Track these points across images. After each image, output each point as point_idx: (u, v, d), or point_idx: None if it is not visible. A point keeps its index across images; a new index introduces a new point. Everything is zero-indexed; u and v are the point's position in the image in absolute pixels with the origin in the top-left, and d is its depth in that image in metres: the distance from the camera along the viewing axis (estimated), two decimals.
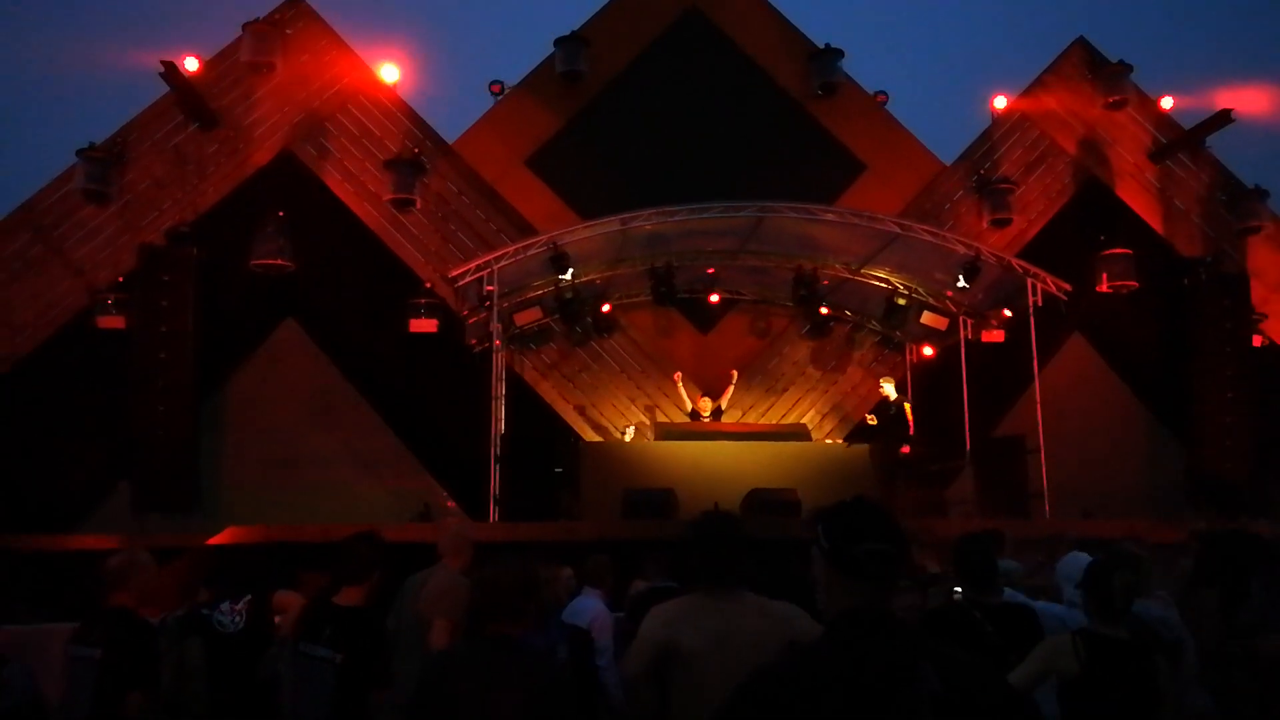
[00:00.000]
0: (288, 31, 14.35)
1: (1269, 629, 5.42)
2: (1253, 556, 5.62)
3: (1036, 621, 4.32)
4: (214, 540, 9.90)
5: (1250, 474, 13.68)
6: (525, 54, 15.81)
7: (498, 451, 11.34)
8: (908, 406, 12.67)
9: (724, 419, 14.01)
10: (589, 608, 6.25)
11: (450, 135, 14.87)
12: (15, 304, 13.55)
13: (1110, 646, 3.71)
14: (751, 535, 3.71)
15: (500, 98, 15.42)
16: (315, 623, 4.28)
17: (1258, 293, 15.12)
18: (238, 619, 5.56)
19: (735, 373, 13.91)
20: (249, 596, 5.68)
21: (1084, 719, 3.67)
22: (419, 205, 14.04)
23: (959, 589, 4.39)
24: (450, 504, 13.21)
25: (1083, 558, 5.11)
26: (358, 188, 14.24)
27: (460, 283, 12.11)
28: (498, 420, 12.27)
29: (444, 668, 3.33)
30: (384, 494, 13.47)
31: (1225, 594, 5.43)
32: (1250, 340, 14.74)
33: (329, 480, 13.36)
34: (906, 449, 12.38)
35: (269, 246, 13.23)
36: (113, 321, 13.14)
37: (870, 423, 12.79)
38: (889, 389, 12.90)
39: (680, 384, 13.67)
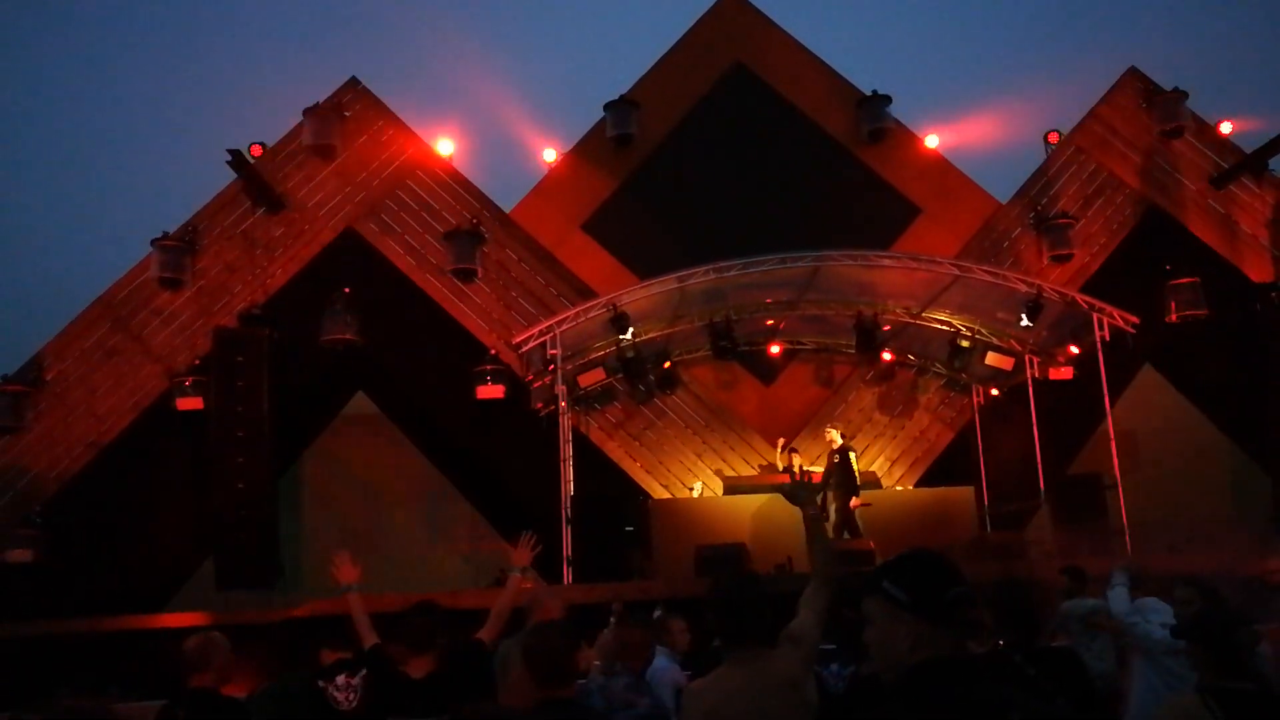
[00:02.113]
0: (346, 114, 14.87)
1: None
2: None
3: (1081, 664, 4.23)
4: (295, 613, 10.06)
5: None
6: (576, 120, 16.18)
7: (568, 513, 11.41)
8: (853, 456, 12.18)
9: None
10: (654, 665, 6.27)
11: (507, 204, 15.22)
12: (98, 392, 14.05)
13: (1244, 700, 3.43)
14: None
15: (553, 164, 15.76)
16: (398, 697, 4.37)
17: None
18: (353, 696, 5.51)
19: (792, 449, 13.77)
20: (364, 671, 5.59)
21: None
22: (480, 274, 14.34)
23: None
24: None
25: (1083, 603, 5.02)
26: (420, 260, 14.59)
27: (524, 348, 12.30)
28: (566, 482, 12.36)
29: None
30: (459, 561, 13.60)
31: None
32: None
33: (406, 550, 13.53)
34: (857, 501, 11.87)
35: (337, 323, 13.57)
36: (191, 403, 13.53)
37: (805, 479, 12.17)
38: (834, 436, 12.47)
39: (779, 450, 13.37)
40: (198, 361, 13.86)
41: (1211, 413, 14.87)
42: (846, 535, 11.74)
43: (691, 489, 13.79)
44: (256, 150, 14.62)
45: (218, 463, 12.99)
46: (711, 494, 13.46)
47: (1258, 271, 15.14)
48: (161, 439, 13.60)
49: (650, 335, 13.44)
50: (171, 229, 14.32)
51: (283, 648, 9.14)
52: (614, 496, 12.68)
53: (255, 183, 14.34)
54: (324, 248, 14.60)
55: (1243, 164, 15.36)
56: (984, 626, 2.12)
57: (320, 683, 5.57)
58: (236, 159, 13.92)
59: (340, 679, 5.58)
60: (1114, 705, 6.20)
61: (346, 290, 13.62)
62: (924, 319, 13.72)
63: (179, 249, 14.16)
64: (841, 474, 12.02)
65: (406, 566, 13.21)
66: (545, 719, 3.38)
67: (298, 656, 7.17)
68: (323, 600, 10.05)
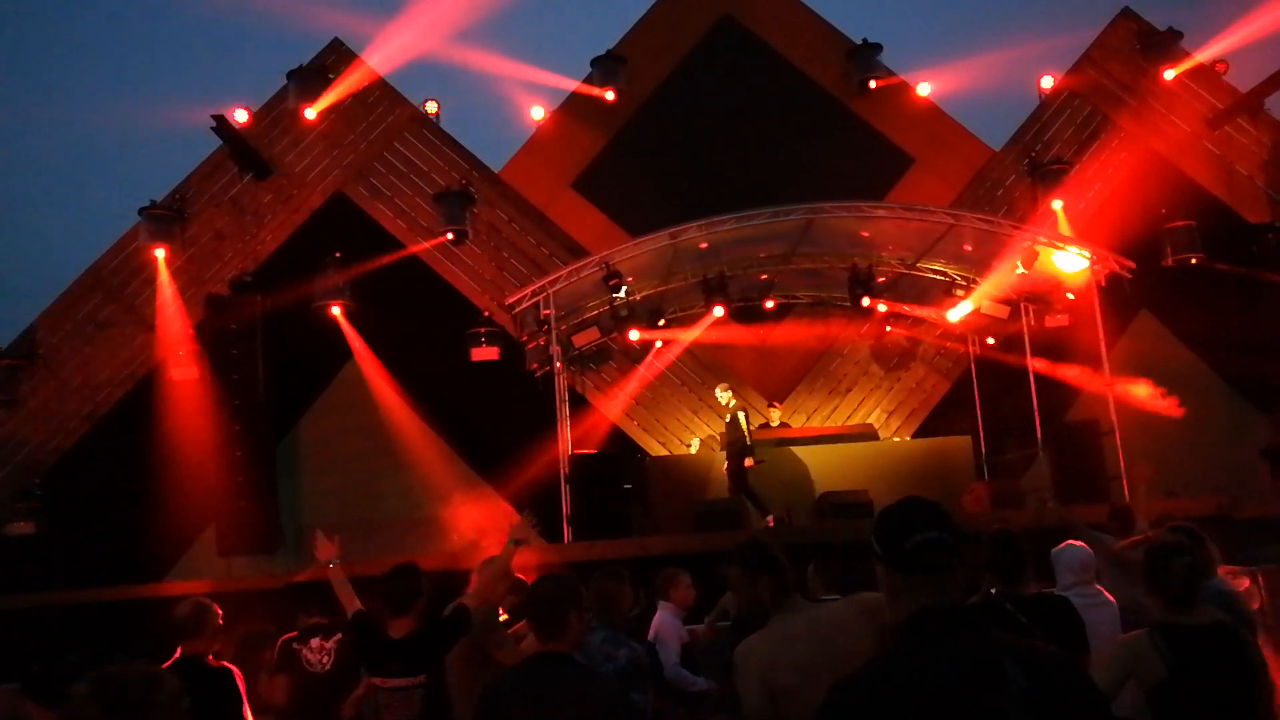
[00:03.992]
0: (330, 76, 14.68)
1: None
2: None
3: (1072, 610, 4.25)
4: (298, 579, 10.12)
5: None
6: (563, 76, 15.99)
7: (566, 472, 11.43)
8: (743, 416, 11.97)
9: (790, 424, 13.95)
10: (656, 620, 6.33)
11: (496, 164, 15.09)
12: (93, 364, 14.04)
13: (1192, 636, 3.49)
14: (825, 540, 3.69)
15: (541, 122, 15.60)
16: (377, 657, 4.46)
17: None
18: (326, 659, 5.70)
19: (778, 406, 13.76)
20: (339, 634, 5.77)
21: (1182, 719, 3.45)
22: (471, 235, 14.25)
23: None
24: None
25: (1073, 548, 5.06)
26: (410, 223, 14.50)
27: (517, 309, 12.24)
28: (564, 441, 12.36)
29: (498, 692, 3.41)
30: (459, 522, 13.63)
31: None
32: None
33: (404, 513, 13.58)
34: (750, 461, 11.66)
35: (329, 288, 13.53)
36: (186, 373, 13.52)
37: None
38: (723, 396, 12.28)
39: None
40: (191, 331, 13.82)
41: (1208, 358, 14.86)
42: (743, 498, 11.58)
43: (689, 445, 13.81)
44: (243, 114, 14.47)
45: (214, 431, 13.03)
46: (709, 450, 13.48)
47: (1254, 213, 15.05)
48: (158, 408, 13.58)
49: (644, 293, 13.37)
50: (159, 197, 14.21)
51: (286, 613, 9.21)
52: (611, 455, 12.69)
53: (241, 149, 14.20)
54: (313, 213, 14.51)
55: (1238, 104, 15.21)
56: (953, 574, 2.07)
57: (295, 645, 5.71)
58: (221, 125, 13.77)
59: (314, 641, 5.71)
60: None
61: (337, 255, 13.54)
62: (919, 269, 13.64)
63: (167, 218, 14.06)
64: (733, 434, 11.90)
65: (406, 529, 13.30)
66: (530, 671, 3.42)
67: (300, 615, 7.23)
68: (316, 569, 10.11)
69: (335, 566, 4.97)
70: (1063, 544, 5.19)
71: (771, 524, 11.15)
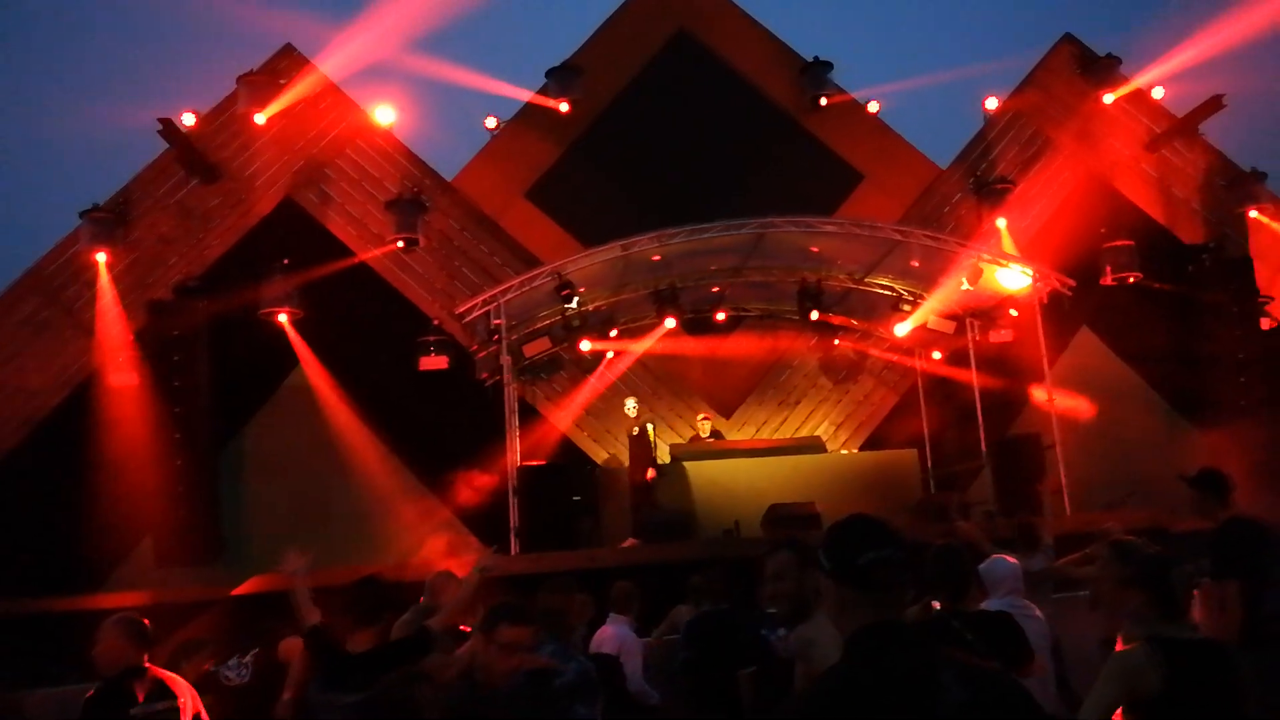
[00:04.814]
0: (281, 81, 14.51)
1: None
2: (1268, 544, 5.56)
3: (1016, 626, 4.31)
4: (239, 591, 9.94)
5: (1272, 459, 13.58)
6: (517, 87, 15.97)
7: (514, 483, 11.37)
8: (650, 428, 12.24)
9: (739, 435, 14.03)
10: (616, 635, 6.30)
11: (449, 172, 15.02)
12: (29, 368, 13.67)
13: (1187, 650, 3.44)
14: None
15: (496, 132, 15.57)
16: (334, 672, 4.38)
17: (1262, 275, 15.07)
18: (244, 671, 5.65)
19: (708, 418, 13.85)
20: (256, 650, 5.78)
21: None
22: (422, 244, 14.15)
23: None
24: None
25: (1004, 562, 5.19)
26: (361, 230, 14.37)
27: (468, 318, 12.17)
28: (513, 452, 12.30)
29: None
30: (405, 533, 13.49)
31: (1249, 582, 5.36)
32: (1258, 323, 14.68)
33: (351, 524, 13.39)
34: (652, 473, 11.88)
35: (276, 294, 13.35)
36: (125, 379, 13.23)
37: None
38: (631, 408, 12.46)
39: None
40: (132, 337, 13.53)
41: (1146, 374, 15.22)
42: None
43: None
44: (190, 117, 14.25)
45: (154, 440, 12.76)
46: (660, 461, 13.49)
47: (1189, 234, 15.51)
48: (96, 415, 13.26)
49: (596, 304, 13.38)
50: (102, 200, 13.93)
51: (229, 625, 9.04)
52: (561, 466, 12.66)
53: (188, 152, 13.97)
54: (262, 219, 14.31)
55: (1174, 128, 15.66)
56: (903, 591, 2.13)
57: (211, 667, 5.68)
58: (168, 128, 13.55)
59: (232, 660, 5.68)
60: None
61: (285, 261, 13.37)
62: (867, 284, 13.82)
63: (109, 221, 13.77)
64: (640, 446, 12.07)
65: (353, 540, 13.11)
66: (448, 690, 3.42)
67: (240, 632, 7.12)
68: (269, 576, 9.94)
69: (302, 579, 4.88)
70: (992, 557, 5.30)
71: (631, 543, 11.19)
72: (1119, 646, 4.53)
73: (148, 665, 4.40)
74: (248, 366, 13.68)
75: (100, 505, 12.90)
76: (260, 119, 14.24)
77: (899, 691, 1.91)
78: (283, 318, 13.48)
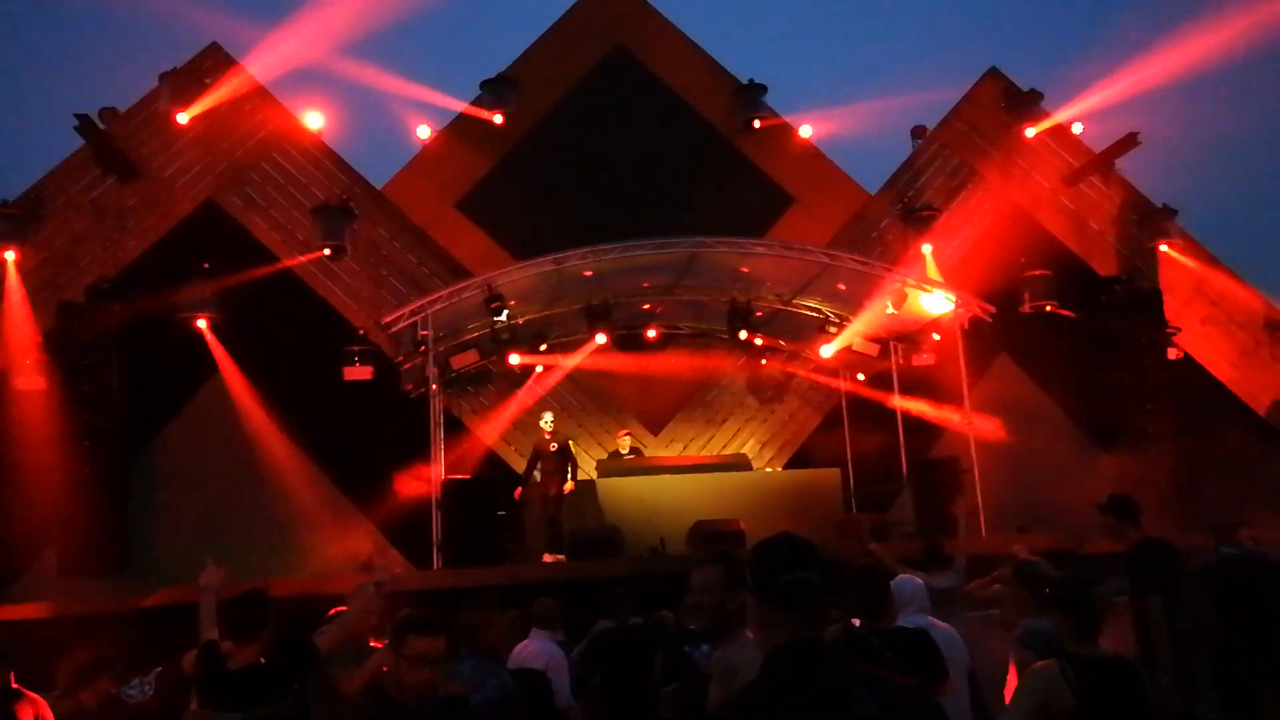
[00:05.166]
0: (206, 80, 14.17)
1: (1207, 631, 5.62)
2: (1174, 565, 5.83)
3: (932, 644, 4.40)
4: (148, 603, 9.63)
5: (1176, 484, 14.08)
6: (451, 97, 15.86)
7: (439, 497, 11.21)
8: (571, 443, 12.55)
9: (666, 452, 14.05)
10: (541, 651, 6.24)
11: (379, 180, 14.82)
12: None
13: (1098, 667, 3.55)
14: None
15: (428, 141, 15.42)
16: (215, 688, 4.28)
17: (1170, 307, 15.64)
18: (147, 689, 5.49)
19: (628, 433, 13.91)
20: (159, 668, 5.64)
21: None
22: (350, 252, 13.91)
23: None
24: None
25: (911, 581, 5.35)
26: (286, 236, 14.08)
27: (394, 328, 11.99)
28: (438, 465, 12.13)
29: None
30: (325, 546, 13.19)
31: (1166, 599, 5.60)
32: (1166, 353, 15.23)
33: (268, 536, 13.05)
34: (571, 486, 12.20)
35: (195, 299, 12.99)
36: (33, 383, 12.73)
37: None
38: (547, 421, 12.56)
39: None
40: (41, 339, 13.02)
41: (1060, 401, 15.64)
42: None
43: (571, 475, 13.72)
44: (110, 114, 13.83)
45: (62, 446, 12.29)
46: (585, 477, 13.44)
47: (1104, 266, 16.04)
48: (1, 419, 12.71)
49: (527, 318, 13.30)
50: (14, 196, 13.41)
51: (133, 638, 8.72)
52: (486, 480, 12.52)
53: (105, 149, 13.54)
54: (182, 220, 13.94)
55: (1091, 163, 16.21)
56: (822, 610, 2.17)
57: (113, 689, 5.50)
58: (84, 124, 13.13)
59: (135, 680, 5.52)
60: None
61: (206, 265, 13.03)
62: (795, 305, 14.00)
63: (19, 218, 13.27)
64: (559, 462, 12.27)
65: (269, 551, 12.77)
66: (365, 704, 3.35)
67: (148, 647, 6.88)
68: (179, 588, 9.63)
69: (211, 596, 4.75)
70: (900, 577, 5.43)
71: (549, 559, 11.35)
72: (1011, 668, 4.64)
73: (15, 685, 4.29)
74: (163, 373, 13.27)
75: (2, 512, 12.38)
76: (183, 118, 13.87)
77: (813, 705, 1.97)
78: (201, 323, 13.13)
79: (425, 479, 11.77)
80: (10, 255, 13.11)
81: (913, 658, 4.08)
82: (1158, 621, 5.49)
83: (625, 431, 13.88)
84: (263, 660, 4.42)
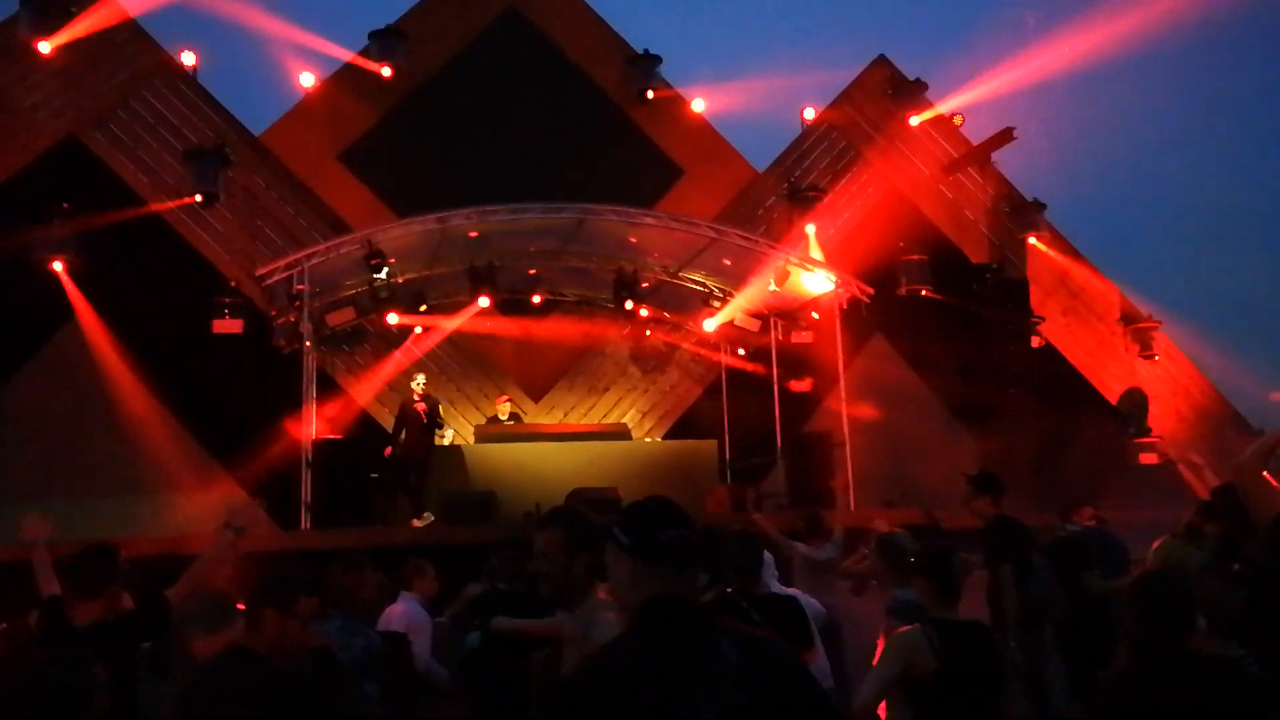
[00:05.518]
0: (73, 9, 13.32)
1: (1052, 601, 6.01)
2: (1027, 540, 6.20)
3: (799, 608, 4.55)
4: None
5: (1035, 464, 14.79)
6: (337, 46, 15.32)
7: (309, 456, 10.92)
8: (440, 406, 12.58)
9: (547, 419, 14.01)
10: (405, 612, 6.17)
11: (258, 127, 14.23)
12: None
13: (959, 631, 3.71)
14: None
15: (311, 89, 14.87)
16: (58, 645, 4.12)
17: (1036, 296, 16.39)
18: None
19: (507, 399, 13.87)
20: (3, 625, 5.39)
21: (942, 716, 3.61)
22: (223, 199, 13.34)
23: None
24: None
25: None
26: (154, 179, 13.42)
27: (268, 281, 11.59)
28: (308, 424, 11.81)
29: (187, 691, 3.27)
30: (187, 505, 12.71)
31: (1017, 570, 5.94)
32: (1030, 341, 15.95)
33: (123, 491, 12.49)
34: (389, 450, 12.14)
35: (52, 240, 12.29)
36: None
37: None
38: (419, 382, 12.42)
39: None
40: None
41: (929, 379, 16.21)
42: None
43: (442, 436, 13.55)
44: None
45: None
46: (463, 441, 13.31)
47: (977, 254, 16.66)
48: None
49: (407, 276, 13.01)
50: None
51: None
52: (357, 440, 12.27)
53: None
54: (39, 155, 13.11)
55: (969, 155, 16.78)
56: (694, 570, 2.22)
57: None
58: None
59: None
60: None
61: (65, 205, 12.30)
62: (681, 278, 14.10)
63: None
64: (427, 424, 12.19)
65: (126, 509, 12.24)
66: (215, 669, 3.27)
67: None
68: (15, 547, 9.14)
69: (42, 549, 4.53)
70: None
71: (419, 523, 11.30)
72: (880, 638, 4.83)
73: None
74: (14, 316, 12.50)
75: None
76: (45, 48, 13.03)
77: (679, 657, 2.00)
78: (58, 265, 12.41)
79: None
80: None
81: (781, 623, 4.19)
82: (1009, 590, 5.81)
83: (505, 398, 13.78)
84: (110, 617, 4.24)
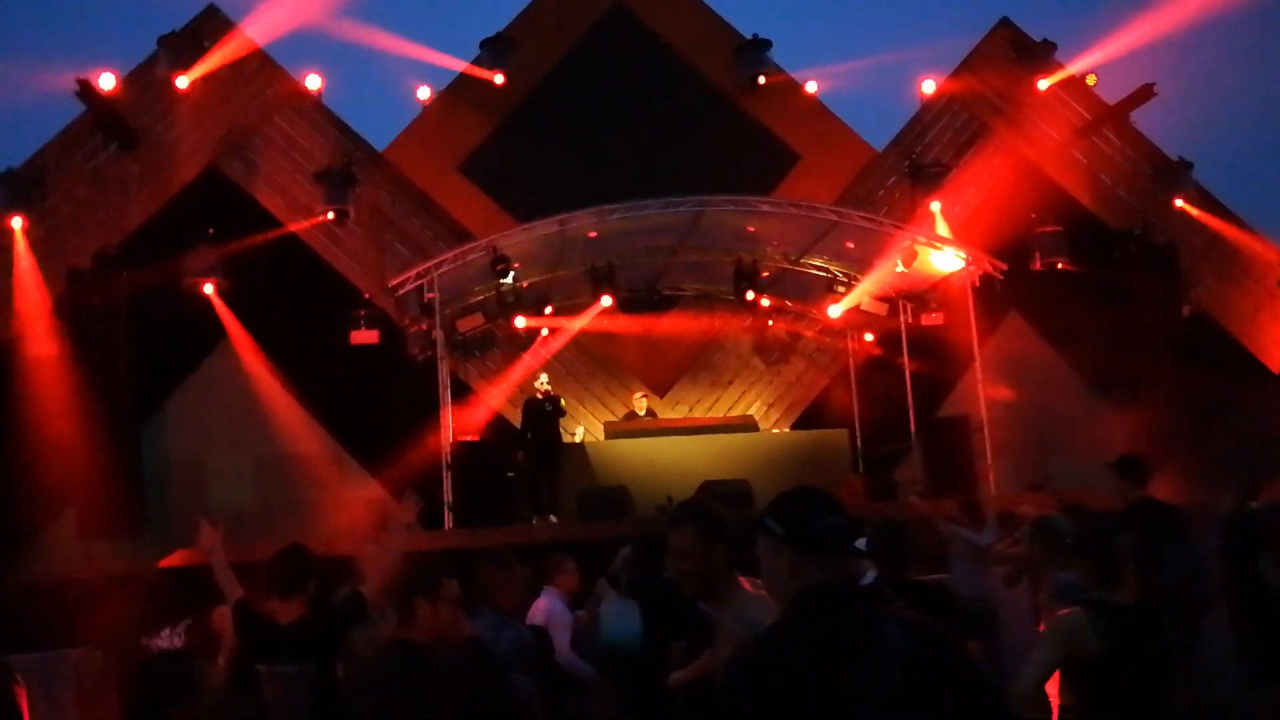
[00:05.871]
0: (205, 44, 14.03)
1: (1186, 595, 5.65)
2: (1165, 525, 5.86)
3: (949, 596, 4.42)
4: (164, 563, 9.75)
5: (1191, 440, 13.98)
6: (450, 57, 15.69)
7: (448, 459, 11.25)
8: (563, 401, 12.42)
9: (672, 414, 14.05)
10: (547, 608, 6.30)
11: (380, 143, 14.73)
12: None
13: (1124, 615, 3.58)
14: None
15: (428, 104, 15.28)
16: (265, 643, 4.30)
17: (1185, 262, 15.45)
18: (176, 639, 5.56)
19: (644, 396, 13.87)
20: (188, 621, 5.70)
21: (1110, 699, 3.49)
22: (353, 216, 13.86)
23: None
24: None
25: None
26: (289, 201, 14.03)
27: (400, 292, 11.99)
28: (446, 428, 12.15)
29: (350, 683, 3.36)
30: (334, 508, 13.28)
31: (1143, 562, 5.62)
32: (1179, 309, 15.07)
33: (279, 497, 13.16)
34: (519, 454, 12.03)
35: (200, 265, 13.00)
36: (45, 349, 12.79)
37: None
38: (543, 380, 12.38)
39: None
40: (50, 306, 13.05)
41: (1071, 358, 15.45)
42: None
43: (573, 434, 13.76)
44: (110, 79, 13.72)
45: (75, 410, 12.37)
46: (593, 439, 13.47)
47: (1117, 220, 15.80)
48: (13, 385, 12.76)
49: (531, 280, 13.26)
50: (18, 164, 13.38)
51: (153, 598, 8.84)
52: (495, 442, 12.56)
53: (106, 116, 13.47)
54: (184, 186, 13.90)
55: (1105, 116, 15.95)
56: (852, 556, 2.20)
57: (143, 639, 5.57)
58: (85, 90, 13.03)
59: (165, 632, 5.58)
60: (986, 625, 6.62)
61: (210, 231, 13.00)
62: (802, 265, 13.91)
63: (25, 186, 13.24)
64: (552, 422, 12.13)
65: (280, 514, 12.88)
66: (377, 662, 3.36)
67: (168, 606, 6.97)
68: (192, 550, 9.72)
69: (220, 557, 4.77)
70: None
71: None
72: (1042, 622, 4.65)
73: None
74: (172, 338, 13.29)
75: (20, 475, 12.47)
76: (182, 83, 13.78)
77: (842, 641, 2.00)
78: (208, 288, 13.13)
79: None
80: (18, 223, 13.11)
81: (930, 612, 4.07)
82: (1160, 574, 5.51)
83: (642, 393, 13.85)
84: (309, 615, 4.42)
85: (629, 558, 6.73)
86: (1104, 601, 3.62)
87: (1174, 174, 15.87)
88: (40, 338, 12.86)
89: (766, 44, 15.72)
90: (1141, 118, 16.11)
